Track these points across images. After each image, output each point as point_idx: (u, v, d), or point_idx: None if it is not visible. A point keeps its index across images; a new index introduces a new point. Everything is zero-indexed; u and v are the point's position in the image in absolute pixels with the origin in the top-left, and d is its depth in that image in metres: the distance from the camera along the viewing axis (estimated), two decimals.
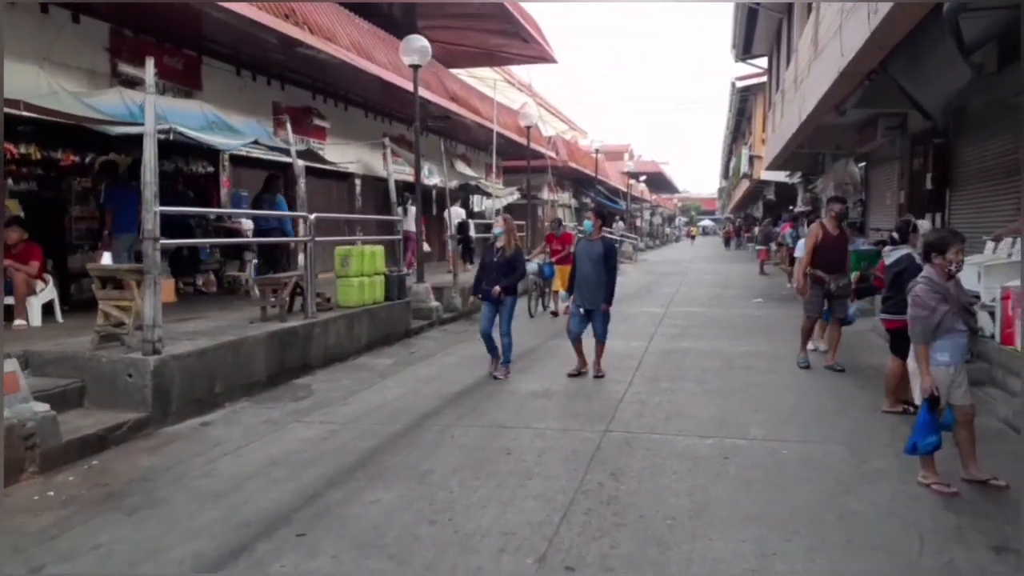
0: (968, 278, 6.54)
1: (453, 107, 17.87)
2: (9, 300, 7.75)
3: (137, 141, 9.48)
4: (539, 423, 6.15)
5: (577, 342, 7.91)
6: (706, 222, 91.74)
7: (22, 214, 8.76)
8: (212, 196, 12.29)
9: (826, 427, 6.00)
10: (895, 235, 6.65)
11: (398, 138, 17.43)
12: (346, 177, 16.53)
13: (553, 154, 28.08)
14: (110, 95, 9.11)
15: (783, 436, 5.75)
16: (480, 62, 25.22)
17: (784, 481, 4.79)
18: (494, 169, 19.10)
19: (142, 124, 8.52)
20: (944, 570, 3.62)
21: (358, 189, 16.83)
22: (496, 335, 7.95)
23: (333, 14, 12.87)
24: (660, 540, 3.91)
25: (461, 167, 22.17)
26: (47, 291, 8.14)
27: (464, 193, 21.62)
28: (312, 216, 8.69)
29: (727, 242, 50.09)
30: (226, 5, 9.57)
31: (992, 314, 7.03)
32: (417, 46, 11.71)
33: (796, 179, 25.59)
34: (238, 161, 12.87)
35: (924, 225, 6.99)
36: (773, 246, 24.21)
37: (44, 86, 8.41)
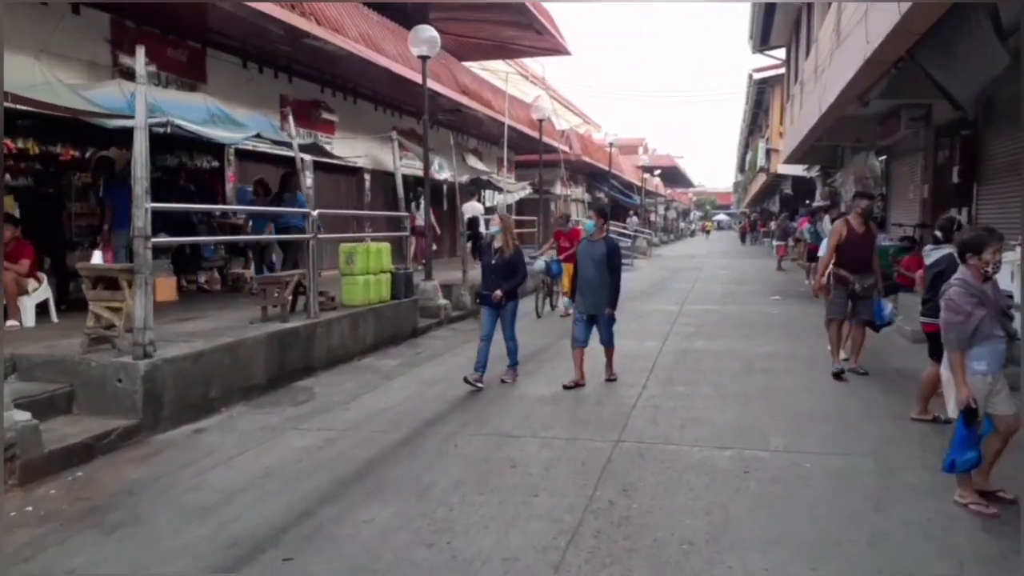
0: (1001, 278, 6.16)
1: (464, 100, 17.55)
2: None
3: (131, 134, 9.34)
4: (546, 431, 5.85)
5: (579, 351, 7.33)
6: (721, 216, 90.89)
7: (16, 211, 8.54)
8: (217, 191, 12.05)
9: (851, 436, 5.66)
10: (938, 233, 6.25)
11: (408, 132, 17.13)
12: (355, 172, 16.27)
13: (566, 148, 27.68)
14: (109, 87, 8.87)
15: (806, 447, 5.41)
16: (493, 55, 24.87)
17: (808, 498, 4.47)
18: (505, 163, 18.73)
19: (152, 117, 8.38)
20: None
21: (367, 184, 16.56)
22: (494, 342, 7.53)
23: (341, 5, 12.58)
24: (676, 568, 3.61)
25: (472, 161, 21.85)
26: (41, 290, 7.92)
27: (475, 188, 21.32)
28: (315, 212, 8.41)
29: (743, 237, 49.49)
30: None
31: None
32: (426, 36, 11.40)
33: (814, 173, 25.08)
34: (244, 155, 12.63)
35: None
36: (790, 241, 23.72)
37: (39, 77, 8.17)
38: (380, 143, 16.25)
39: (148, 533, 4.08)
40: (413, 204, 17.84)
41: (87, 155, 9.93)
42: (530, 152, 23.65)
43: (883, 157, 17.16)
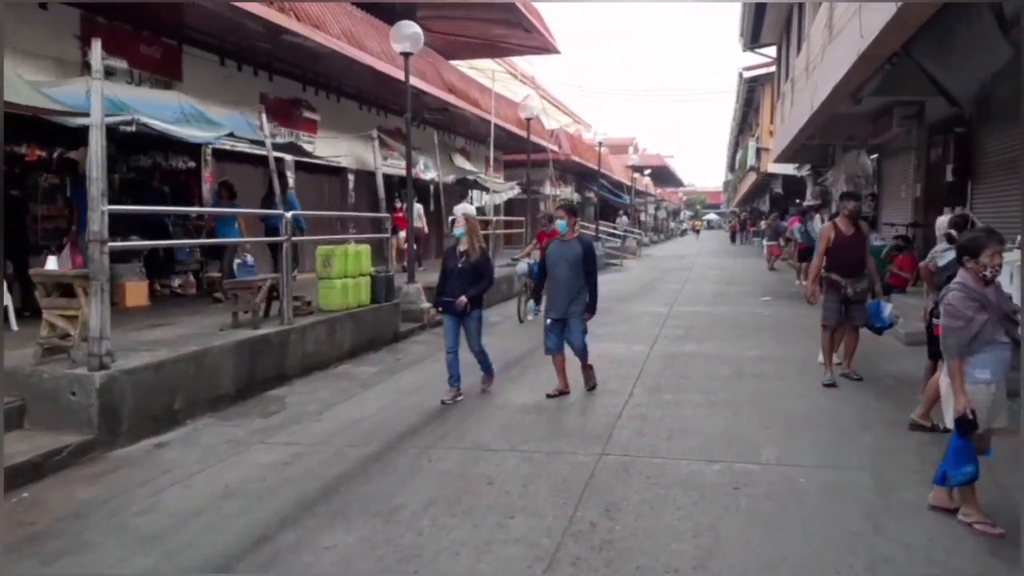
0: (1000, 279, 5.91)
1: (451, 99, 17.24)
2: None
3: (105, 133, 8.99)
4: (527, 444, 5.55)
5: (558, 359, 6.93)
6: (711, 216, 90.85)
7: None
8: (193, 193, 11.72)
9: (846, 447, 5.39)
10: (952, 232, 5.97)
11: (394, 131, 16.78)
12: (339, 172, 15.93)
13: (555, 147, 27.40)
14: (75, 85, 8.50)
15: (799, 459, 5.14)
16: (481, 53, 24.56)
17: (802, 516, 4.19)
18: (490, 163, 18.42)
19: (112, 115, 8.03)
20: None
21: (351, 185, 16.21)
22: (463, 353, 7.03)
23: (324, 2, 12.26)
24: None
25: (460, 161, 21.53)
26: None
27: (463, 188, 21.00)
28: (289, 214, 8.09)
29: (733, 237, 49.36)
30: None
31: None
32: (408, 32, 11.08)
33: (805, 172, 24.88)
34: (223, 156, 12.29)
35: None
36: (781, 241, 23.52)
37: None
38: (364, 143, 15.91)
39: (91, 562, 3.77)
40: (405, 205, 17.55)
41: (54, 155, 9.60)
42: (518, 151, 23.36)
43: (875, 156, 16.96)
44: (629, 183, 40.30)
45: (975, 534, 3.94)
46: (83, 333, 5.72)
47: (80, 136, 8.90)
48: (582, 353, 6.96)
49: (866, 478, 4.75)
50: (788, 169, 25.78)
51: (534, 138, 22.02)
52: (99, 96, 5.78)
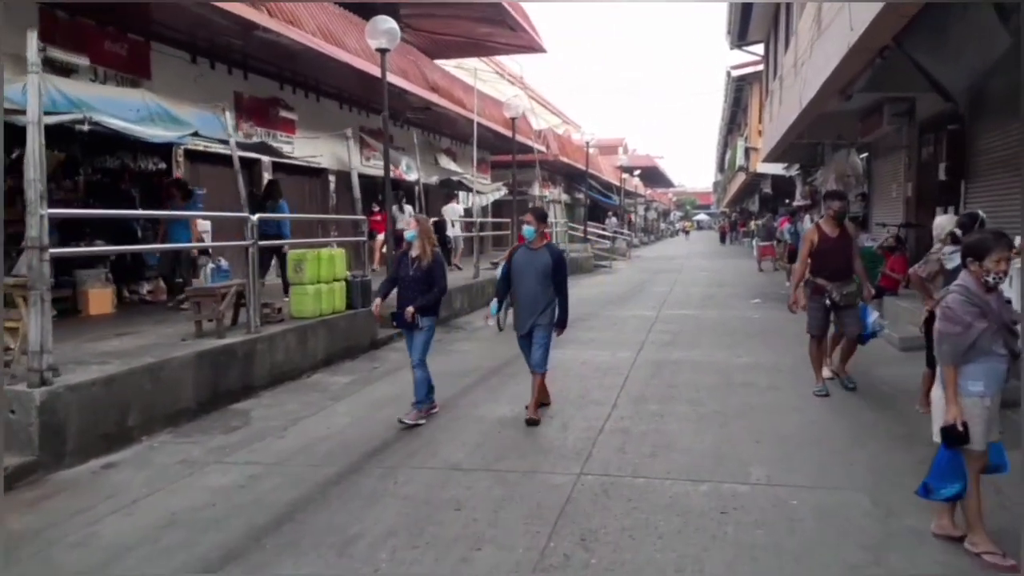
0: None
1: (434, 98, 16.85)
2: None
3: (66, 134, 8.59)
4: (501, 463, 5.19)
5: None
6: (701, 216, 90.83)
7: None
8: (164, 195, 11.29)
9: (841, 465, 5.05)
10: (957, 232, 5.63)
11: (376, 131, 16.41)
12: (319, 173, 15.54)
13: (543, 148, 27.07)
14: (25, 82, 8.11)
15: (791, 479, 4.79)
16: (467, 52, 24.20)
17: (796, 548, 3.84)
18: (474, 163, 18.06)
19: (63, 113, 7.63)
20: None
21: (332, 186, 15.81)
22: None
23: None
24: None
25: (445, 162, 21.17)
26: None
27: (447, 189, 20.63)
28: (255, 217, 7.70)
29: (722, 237, 49.18)
30: None
31: None
32: (384, 28, 10.70)
33: (794, 171, 24.64)
34: (195, 157, 11.89)
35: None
36: (774, 242, 23.23)
37: None
38: (345, 143, 15.57)
39: None
40: (395, 207, 17.17)
41: (14, 156, 9.17)
42: (506, 152, 22.99)
43: (864, 154, 16.69)
44: (619, 184, 40.02)
45: (984, 566, 3.60)
46: (23, 346, 5.32)
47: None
48: (539, 366, 6.23)
49: (864, 500, 4.41)
50: (777, 169, 25.54)
51: (520, 138, 21.65)
52: (35, 91, 5.42)
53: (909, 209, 13.31)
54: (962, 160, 10.24)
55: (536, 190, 29.30)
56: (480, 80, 22.27)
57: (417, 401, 6.23)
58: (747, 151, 30.30)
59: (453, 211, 18.80)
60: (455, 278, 14.80)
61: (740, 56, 24.84)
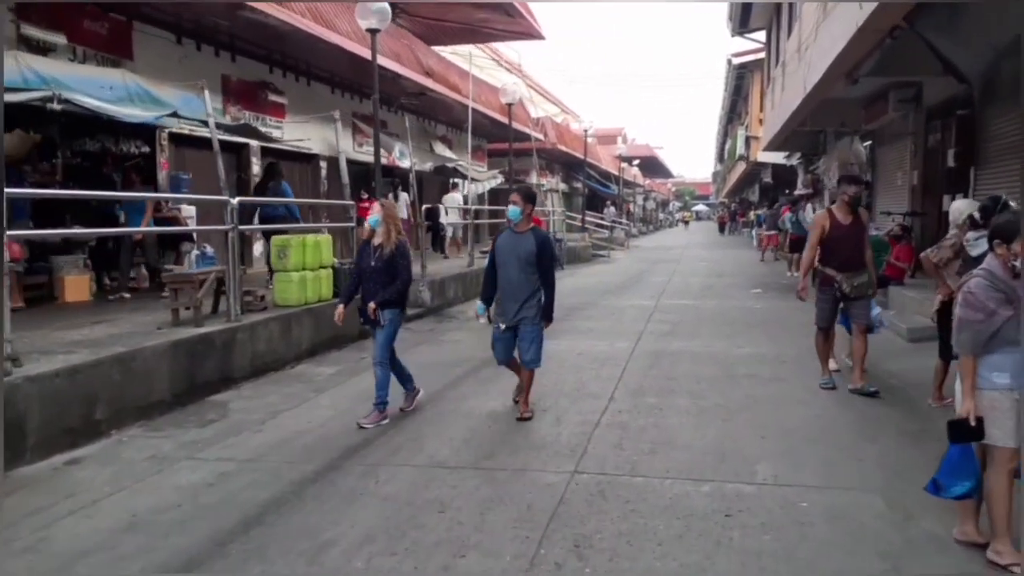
0: None
1: (428, 83, 16.47)
2: None
3: (42, 115, 8.23)
4: (490, 460, 4.88)
5: (511, 362, 5.96)
6: (700, 207, 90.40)
7: None
8: (148, 180, 10.93)
9: (852, 463, 4.74)
10: (976, 216, 5.28)
11: (370, 117, 15.99)
12: (310, 159, 15.17)
13: (541, 136, 26.68)
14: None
15: (800, 478, 4.48)
16: (464, 38, 23.75)
17: (808, 555, 3.53)
18: (469, 150, 17.68)
19: (32, 91, 7.27)
20: None
21: (323, 172, 15.46)
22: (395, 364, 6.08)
23: None
24: None
25: (440, 149, 20.79)
26: None
27: (442, 177, 20.28)
28: (235, 200, 7.35)
29: (721, 228, 48.82)
30: None
31: None
32: (375, 8, 10.31)
33: (796, 160, 24.29)
34: (181, 140, 11.53)
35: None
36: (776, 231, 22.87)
37: None
38: (335, 127, 15.20)
39: None
40: (391, 195, 16.81)
41: None
42: (502, 140, 22.61)
43: (868, 142, 16.34)
44: (617, 173, 39.63)
45: None
46: None
47: (14, 117, 8.21)
48: (531, 363, 5.79)
49: (878, 502, 4.11)
50: (778, 158, 25.19)
51: (517, 125, 21.29)
52: None
53: (915, 197, 13.00)
54: (972, 146, 9.92)
55: (534, 178, 28.89)
56: (477, 67, 21.90)
57: (380, 401, 5.74)
58: (748, 140, 29.93)
59: (453, 200, 18.43)
60: (450, 266, 14.49)
61: (741, 44, 24.48)
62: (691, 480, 4.45)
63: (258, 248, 12.87)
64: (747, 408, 6.04)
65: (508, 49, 31.37)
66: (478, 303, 6.22)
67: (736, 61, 27.27)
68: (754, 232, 30.92)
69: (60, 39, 9.19)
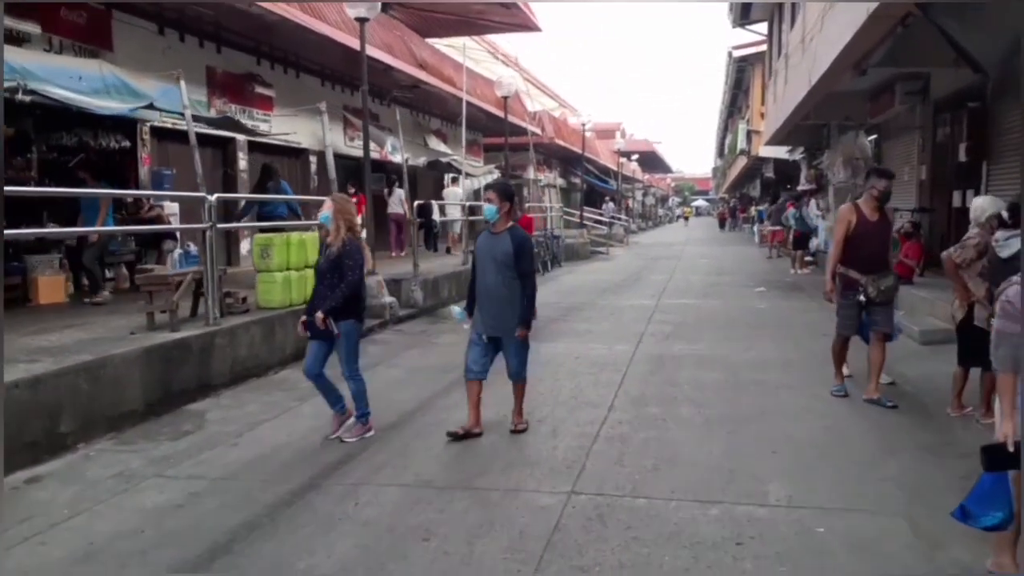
0: None
1: (422, 75, 16.10)
2: None
3: (16, 109, 7.86)
4: (481, 478, 4.53)
5: (473, 385, 5.30)
6: (700, 202, 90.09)
7: None
8: (129, 176, 10.57)
9: (870, 482, 4.39)
10: (1004, 215, 4.92)
11: (361, 111, 15.64)
12: (299, 154, 14.80)
13: (538, 130, 26.31)
14: None
15: (815, 499, 4.14)
16: (459, 31, 23.36)
17: None
18: (463, 144, 17.29)
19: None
20: None
21: (313, 167, 15.08)
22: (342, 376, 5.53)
23: None
24: None
25: (435, 143, 20.44)
26: None
27: (437, 172, 19.91)
28: (213, 197, 6.98)
29: (722, 223, 48.47)
30: None
31: None
32: None
33: (798, 155, 23.89)
34: (163, 135, 11.15)
35: None
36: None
37: None
38: (330, 122, 14.81)
39: None
40: (386, 191, 16.45)
41: None
42: (499, 134, 22.26)
43: (873, 136, 15.97)
44: (616, 168, 39.26)
45: None
46: None
47: None
48: (518, 376, 5.36)
49: (902, 527, 3.76)
50: (780, 153, 24.80)
51: (514, 119, 20.94)
52: None
53: (923, 193, 12.66)
54: (985, 140, 9.57)
55: (531, 173, 28.55)
56: (473, 60, 21.49)
57: (360, 413, 5.37)
58: (749, 134, 29.55)
59: (454, 195, 18.05)
60: (443, 264, 14.11)
61: (742, 36, 24.06)
62: (698, 502, 4.10)
63: (245, 246, 12.51)
64: (755, 418, 5.69)
65: (505, 43, 31.01)
66: (455, 308, 5.68)
67: (737, 54, 26.89)
68: (755, 228, 30.58)
69: (33, 28, 8.80)
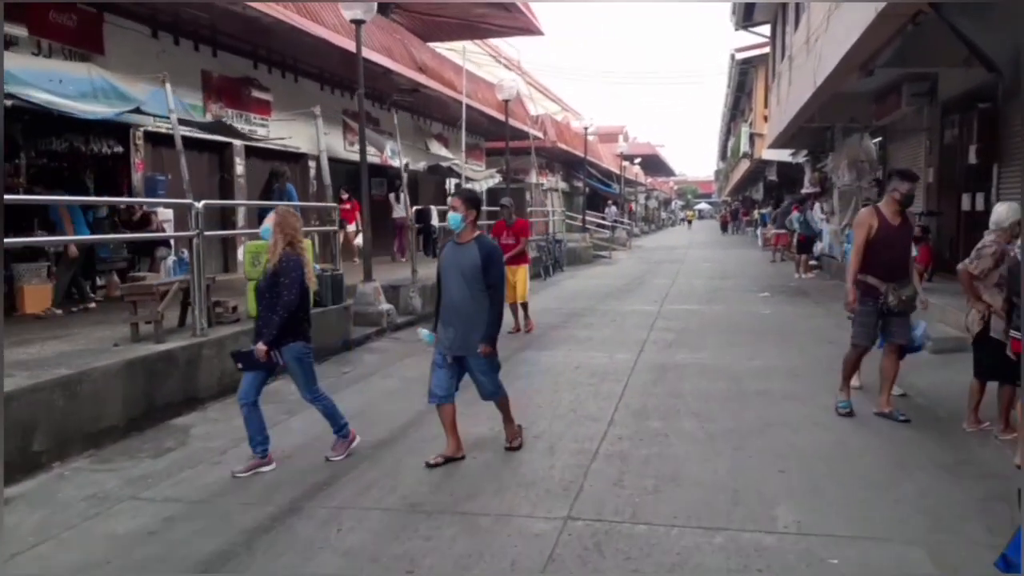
0: None
1: (421, 79, 15.89)
2: None
3: (5, 114, 7.65)
4: (471, 502, 4.29)
5: (445, 410, 4.91)
6: (703, 205, 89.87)
7: None
8: (122, 181, 10.38)
9: (885, 505, 4.14)
10: None
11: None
12: (298, 158, 14.59)
13: (540, 134, 26.08)
14: None
15: (827, 525, 3.89)
16: (461, 34, 23.18)
17: None
18: (463, 147, 17.08)
19: None
20: None
21: (312, 172, 14.85)
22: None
23: None
24: None
25: (436, 147, 20.22)
26: None
27: (438, 176, 19.70)
28: (200, 204, 6.77)
29: (724, 227, 48.19)
30: None
31: None
32: None
33: (802, 158, 23.62)
34: (157, 140, 10.94)
35: None
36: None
37: None
38: (328, 127, 14.61)
39: None
40: (391, 195, 16.24)
41: None
42: (500, 138, 22.04)
43: (878, 138, 15.74)
44: (619, 172, 39.01)
45: None
46: None
47: None
48: (493, 396, 5.04)
49: (921, 557, 3.52)
50: (783, 155, 24.54)
51: (515, 123, 20.74)
52: None
53: (930, 196, 12.41)
54: (996, 141, 9.33)
55: (533, 177, 28.33)
56: (474, 63, 21.31)
57: (338, 429, 5.07)
58: (752, 137, 29.29)
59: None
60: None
61: (744, 39, 23.81)
62: (701, 528, 3.86)
63: (241, 253, 12.29)
64: (760, 433, 5.45)
65: (507, 46, 30.82)
66: (422, 330, 5.25)
67: (739, 56, 26.61)
68: (758, 231, 30.32)
69: (21, 31, 8.60)
